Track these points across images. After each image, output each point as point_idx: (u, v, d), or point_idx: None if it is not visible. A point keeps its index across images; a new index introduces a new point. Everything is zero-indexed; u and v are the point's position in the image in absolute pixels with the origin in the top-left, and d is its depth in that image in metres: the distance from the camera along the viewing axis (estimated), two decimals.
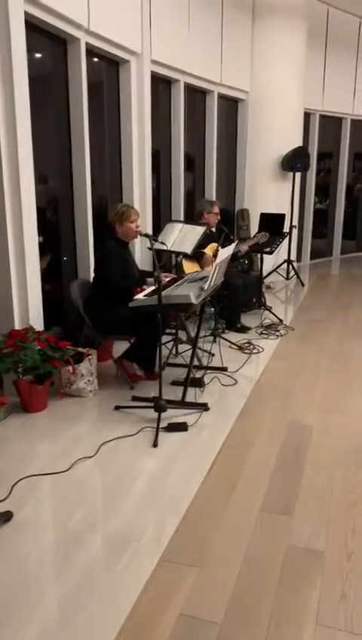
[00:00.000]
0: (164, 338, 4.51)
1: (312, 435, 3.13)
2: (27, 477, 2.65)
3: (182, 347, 4.48)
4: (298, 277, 7.47)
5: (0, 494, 2.50)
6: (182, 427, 3.17)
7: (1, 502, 2.45)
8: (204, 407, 3.42)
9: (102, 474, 2.71)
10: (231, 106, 7.36)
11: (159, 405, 3.17)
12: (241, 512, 2.41)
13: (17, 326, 3.48)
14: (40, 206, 4.49)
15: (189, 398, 3.53)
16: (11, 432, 3.16)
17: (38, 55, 4.14)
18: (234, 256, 4.33)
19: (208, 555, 2.14)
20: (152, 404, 3.23)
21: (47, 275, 4.55)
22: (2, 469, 2.74)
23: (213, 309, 4.88)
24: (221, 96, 6.89)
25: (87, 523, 2.31)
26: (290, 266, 7.48)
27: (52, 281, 4.55)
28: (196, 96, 6.60)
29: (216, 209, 5.11)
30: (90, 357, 3.62)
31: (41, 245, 3.81)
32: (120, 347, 4.06)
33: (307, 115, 8.29)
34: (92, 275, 4.08)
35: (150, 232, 5.14)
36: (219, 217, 5.15)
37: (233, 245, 3.92)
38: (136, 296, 3.46)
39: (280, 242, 5.52)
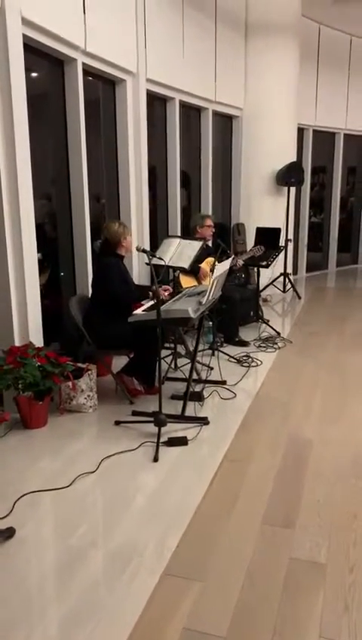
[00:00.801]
0: (163, 352, 4.54)
1: (312, 448, 3.14)
2: (28, 493, 2.65)
3: (180, 361, 4.50)
4: (294, 290, 7.52)
5: (1, 511, 2.50)
6: (182, 441, 3.18)
7: (2, 519, 2.45)
8: (203, 421, 3.44)
9: (103, 489, 2.72)
10: (225, 123, 7.46)
11: (159, 420, 3.18)
12: (243, 526, 2.41)
13: (17, 342, 3.51)
14: (38, 222, 4.54)
15: (189, 412, 3.55)
16: (12, 449, 3.16)
17: (35, 75, 4.21)
18: (230, 271, 4.36)
19: (211, 568, 2.14)
20: (152, 419, 3.24)
21: (46, 291, 4.58)
22: (3, 485, 2.75)
23: (210, 323, 4.91)
24: (215, 113, 6.99)
25: (88, 539, 2.31)
26: (287, 279, 7.53)
27: (50, 296, 4.58)
28: (191, 113, 6.69)
29: (209, 222, 5.17)
30: (89, 372, 3.64)
31: (39, 261, 3.85)
32: (119, 362, 4.08)
33: (301, 131, 8.40)
34: (90, 290, 4.11)
35: (147, 247, 5.19)
36: (213, 230, 5.21)
37: (230, 259, 3.96)
38: (135, 312, 3.49)
39: (276, 256, 5.56)
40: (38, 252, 4.44)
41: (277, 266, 7.04)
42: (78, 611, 1.91)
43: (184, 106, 6.32)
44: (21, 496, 2.62)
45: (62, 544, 2.28)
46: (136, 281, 5.25)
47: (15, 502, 2.57)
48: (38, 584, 2.06)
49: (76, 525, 2.41)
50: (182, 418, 3.48)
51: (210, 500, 2.62)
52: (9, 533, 2.32)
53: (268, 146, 7.47)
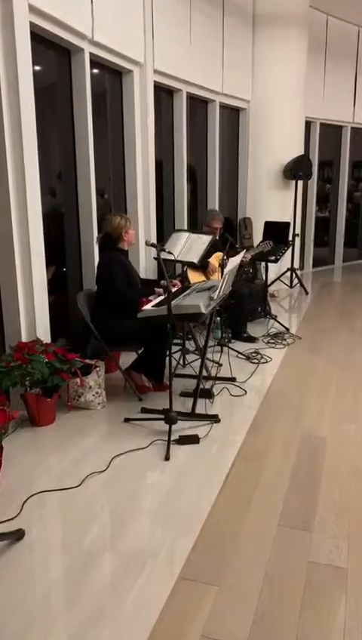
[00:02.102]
0: (172, 348, 4.46)
1: (326, 447, 3.07)
2: (37, 493, 2.59)
3: (189, 357, 4.43)
4: (301, 285, 7.44)
5: (10, 512, 2.44)
6: (193, 440, 3.11)
7: (11, 520, 2.39)
8: (214, 418, 3.37)
9: (114, 489, 2.65)
10: (232, 115, 7.36)
11: (170, 417, 3.11)
12: (259, 528, 2.35)
13: (24, 338, 3.43)
14: (45, 216, 4.46)
15: (199, 410, 3.47)
16: (20, 447, 3.09)
17: (42, 65, 4.12)
18: (239, 266, 4.29)
19: (227, 572, 2.08)
20: (162, 416, 3.17)
21: (52, 286, 4.51)
22: (12, 484, 2.68)
23: (218, 319, 4.83)
24: (222, 106, 6.89)
25: (100, 542, 2.25)
26: (294, 274, 7.45)
27: (57, 292, 4.51)
28: (198, 105, 6.60)
29: (216, 224, 5.05)
30: (98, 369, 3.57)
31: (46, 256, 3.77)
32: (127, 358, 4.01)
33: (307, 124, 8.29)
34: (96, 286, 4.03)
35: (154, 241, 5.10)
36: (218, 227, 5.09)
37: (241, 254, 3.89)
38: (145, 307, 3.41)
39: (285, 250, 5.48)
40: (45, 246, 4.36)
41: (284, 261, 6.95)
42: (91, 618, 1.84)
43: (191, 98, 6.22)
44: (30, 497, 2.55)
45: (74, 547, 2.22)
46: (142, 275, 5.18)
47: (24, 502, 2.51)
48: (49, 589, 1.99)
49: (87, 527, 2.34)
50: (192, 416, 3.41)
51: (224, 501, 2.55)
52: (18, 535, 2.25)
53: (275, 139, 7.37)
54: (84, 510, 2.47)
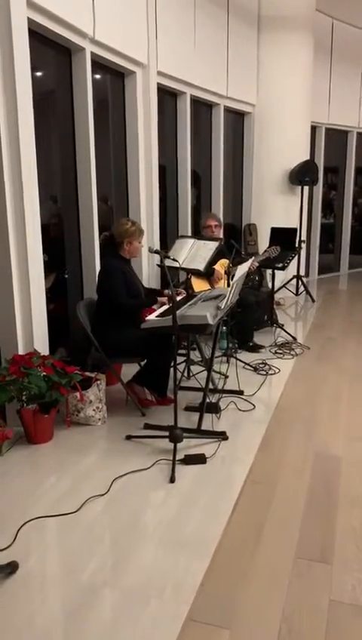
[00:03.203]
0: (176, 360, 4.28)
1: (342, 467, 2.87)
2: (33, 519, 2.40)
3: (194, 369, 4.24)
4: (308, 293, 7.25)
5: (3, 541, 2.24)
6: (200, 459, 2.91)
7: (4, 550, 2.19)
8: (222, 436, 3.17)
9: (115, 515, 2.46)
10: (237, 120, 7.21)
11: (175, 435, 2.92)
12: (273, 560, 2.15)
13: (21, 350, 3.25)
14: (45, 223, 4.29)
15: (205, 426, 3.28)
16: (15, 467, 2.90)
17: (42, 65, 3.96)
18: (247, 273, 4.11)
19: (240, 613, 1.88)
20: (167, 434, 2.98)
21: (52, 295, 4.33)
22: (5, 509, 2.49)
23: (224, 328, 4.65)
24: (227, 110, 6.73)
25: (100, 576, 2.05)
26: (299, 281, 7.27)
27: (57, 300, 4.33)
28: (202, 109, 6.44)
29: (208, 222, 4.92)
30: (98, 382, 3.38)
31: (46, 264, 3.60)
32: (129, 370, 3.82)
33: (313, 129, 8.13)
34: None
35: (158, 248, 4.93)
36: (213, 230, 4.93)
37: (250, 261, 3.70)
38: (148, 317, 3.23)
39: (293, 257, 5.31)
40: (44, 254, 4.19)
41: (290, 268, 6.75)
42: None
43: (195, 101, 6.06)
44: (24, 523, 2.36)
45: (71, 581, 2.02)
46: (145, 283, 5.00)
47: (18, 529, 2.32)
48: (44, 629, 1.80)
49: (86, 558, 2.15)
50: (198, 432, 3.22)
51: (235, 528, 2.36)
52: (11, 568, 2.06)
53: (280, 144, 7.21)
54: (82, 539, 2.28)
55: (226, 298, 3.12)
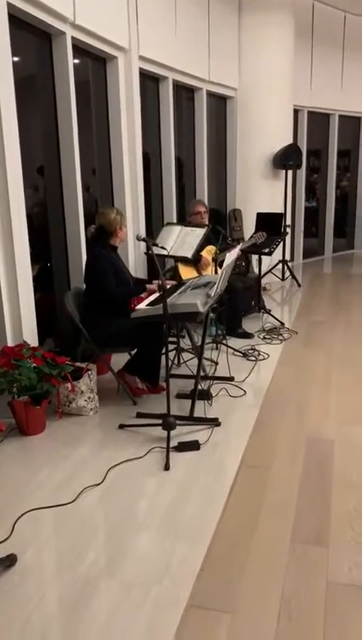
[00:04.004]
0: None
1: (335, 450, 2.91)
2: (29, 511, 2.39)
3: (184, 356, 4.24)
4: (294, 277, 7.28)
5: (0, 534, 2.24)
6: (193, 446, 2.93)
7: (1, 543, 2.19)
8: (214, 422, 3.19)
9: (111, 505, 2.46)
10: (219, 104, 7.15)
11: (168, 423, 2.93)
12: (270, 544, 2.18)
13: (10, 342, 3.22)
14: (28, 211, 4.22)
15: (197, 413, 3.29)
16: (8, 459, 2.89)
17: (22, 51, 3.87)
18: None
19: (240, 597, 1.90)
20: (160, 422, 2.99)
21: (38, 285, 4.28)
22: (1, 502, 2.48)
23: (213, 315, 4.65)
24: (210, 94, 6.67)
25: (99, 565, 2.06)
26: (285, 266, 7.29)
27: (43, 290, 4.29)
28: (184, 94, 6.37)
29: (198, 207, 4.91)
30: (89, 372, 3.37)
31: (30, 253, 3.55)
32: (119, 359, 3.81)
33: (295, 112, 8.10)
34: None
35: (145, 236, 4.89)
36: (203, 216, 4.92)
37: (237, 248, 3.69)
38: (138, 306, 3.21)
39: (279, 242, 5.30)
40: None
41: (275, 253, 6.77)
42: None
43: (177, 86, 5.99)
44: (21, 516, 2.36)
45: (70, 573, 2.03)
46: (132, 273, 4.97)
47: (15, 522, 2.31)
48: (45, 621, 1.80)
49: (85, 549, 2.16)
50: (191, 419, 3.23)
51: (231, 514, 2.38)
52: (10, 561, 2.06)
53: (263, 128, 7.18)
54: (80, 529, 2.28)
55: (216, 285, 3.11)
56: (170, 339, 4.22)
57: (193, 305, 2.96)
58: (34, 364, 3.06)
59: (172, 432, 2.95)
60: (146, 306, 3.19)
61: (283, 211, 6.98)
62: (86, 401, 3.35)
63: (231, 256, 3.31)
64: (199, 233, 3.95)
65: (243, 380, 3.87)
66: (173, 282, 3.66)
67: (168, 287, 3.50)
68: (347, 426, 3.19)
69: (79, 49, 4.30)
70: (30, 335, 3.35)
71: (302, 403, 3.54)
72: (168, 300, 2.96)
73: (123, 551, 2.14)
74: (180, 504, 2.44)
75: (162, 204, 5.97)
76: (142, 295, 3.57)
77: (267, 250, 5.17)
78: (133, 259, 5.02)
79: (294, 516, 2.35)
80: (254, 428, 3.20)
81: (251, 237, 5.09)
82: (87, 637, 1.73)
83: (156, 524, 2.31)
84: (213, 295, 3.14)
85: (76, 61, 4.29)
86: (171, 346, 4.22)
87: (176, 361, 4.17)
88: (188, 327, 4.11)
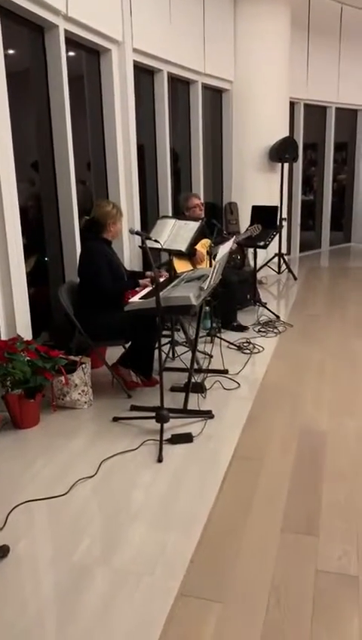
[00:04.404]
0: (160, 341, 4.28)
1: (327, 442, 2.92)
2: (22, 503, 2.41)
3: (178, 349, 4.25)
4: (290, 270, 7.29)
5: None
6: (187, 438, 2.94)
7: None
8: (208, 414, 3.21)
9: (104, 496, 2.48)
10: (215, 97, 7.13)
11: (161, 415, 2.94)
12: (261, 534, 2.20)
13: (4, 336, 3.23)
14: (22, 205, 4.22)
15: (191, 405, 3.31)
16: (2, 452, 2.90)
17: (15, 44, 3.86)
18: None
19: (231, 586, 1.93)
20: (153, 415, 3.00)
21: (33, 278, 4.29)
22: None
23: (207, 308, 4.66)
24: (205, 87, 6.65)
25: (92, 556, 2.08)
26: (282, 259, 7.29)
27: (38, 284, 4.30)
28: (179, 87, 6.36)
29: (194, 201, 4.90)
30: (83, 365, 3.38)
31: (25, 247, 3.56)
32: (114, 352, 3.83)
33: (291, 105, 8.09)
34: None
35: (138, 229, 4.89)
36: (201, 208, 4.93)
37: (231, 241, 3.70)
38: (131, 299, 3.22)
39: (274, 235, 5.31)
40: (23, 237, 4.14)
41: (272, 246, 6.78)
42: None
43: (172, 79, 5.97)
44: (14, 507, 2.37)
45: (63, 563, 2.04)
46: (127, 266, 4.97)
47: (8, 514, 2.33)
48: (39, 610, 1.82)
49: (78, 539, 2.17)
50: (184, 412, 3.25)
51: (223, 505, 2.40)
52: (2, 552, 2.08)
53: (259, 121, 7.16)
54: (73, 520, 2.30)
55: (209, 278, 3.12)
56: (165, 332, 4.25)
57: (186, 298, 2.97)
58: (28, 358, 3.07)
59: (165, 425, 2.96)
60: (140, 298, 3.20)
61: (279, 204, 6.98)
62: (80, 394, 3.37)
63: (224, 249, 3.31)
64: (193, 227, 3.94)
65: (238, 373, 3.88)
66: (166, 273, 3.65)
67: (161, 280, 3.51)
68: (339, 418, 3.21)
69: (72, 42, 4.28)
70: (24, 329, 3.36)
71: (295, 395, 3.56)
72: (161, 293, 2.97)
73: (115, 541, 2.16)
74: (172, 495, 2.46)
75: (157, 198, 5.97)
76: (137, 289, 3.57)
77: (262, 244, 5.18)
78: (128, 252, 5.03)
79: (285, 506, 2.37)
80: (247, 420, 3.21)
81: (246, 230, 5.10)
82: (80, 625, 1.75)
83: (148, 514, 2.33)
84: (205, 288, 3.14)
85: (71, 54, 4.29)
86: (166, 340, 4.24)
87: (170, 355, 4.18)
88: (182, 320, 4.12)
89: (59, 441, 3.00)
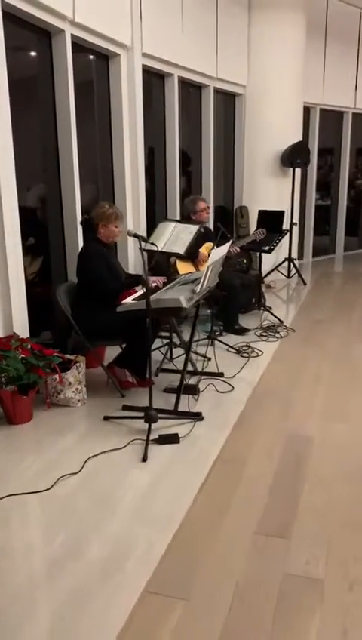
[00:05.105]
0: (159, 342, 4.33)
1: (313, 448, 2.93)
2: (6, 496, 2.47)
3: (177, 352, 4.29)
4: (299, 275, 7.26)
5: None
6: (173, 439, 2.98)
7: None
8: (197, 416, 3.24)
9: (86, 492, 2.53)
10: (228, 101, 7.15)
11: (149, 416, 2.99)
12: (234, 535, 2.22)
13: (1, 334, 3.31)
14: (28, 207, 4.31)
15: (183, 407, 3.34)
16: None
17: (22, 49, 3.96)
18: (228, 256, 4.12)
19: (197, 585, 1.95)
20: (142, 415, 3.04)
21: (38, 278, 4.38)
22: None
23: (208, 311, 4.69)
24: (217, 91, 6.68)
25: (67, 550, 2.13)
26: (291, 264, 7.27)
27: (42, 283, 4.38)
28: (191, 91, 6.40)
29: (202, 205, 4.90)
30: (78, 364, 3.44)
31: (31, 247, 3.64)
32: (113, 353, 3.88)
33: (307, 110, 8.07)
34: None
35: (144, 233, 4.95)
36: (208, 212, 4.95)
37: (227, 245, 3.72)
38: (125, 300, 3.27)
39: (279, 240, 5.31)
40: (30, 237, 4.23)
41: (282, 250, 6.79)
42: (50, 634, 1.73)
43: (183, 83, 6.02)
44: None
45: (38, 555, 2.10)
46: (132, 269, 5.04)
47: None
48: (10, 600, 1.87)
49: (54, 533, 2.23)
50: (174, 413, 3.28)
51: (201, 506, 2.43)
52: None
53: (272, 126, 7.16)
54: (52, 515, 2.35)
55: (201, 282, 3.15)
56: (163, 333, 4.29)
57: (176, 300, 3.01)
58: (22, 356, 3.14)
59: (155, 425, 3.01)
60: (133, 299, 3.25)
61: (289, 209, 6.98)
62: (74, 392, 3.43)
63: (218, 252, 3.34)
64: (192, 230, 3.98)
65: (233, 376, 3.90)
66: (161, 278, 3.69)
67: (155, 285, 3.52)
68: (328, 423, 3.21)
69: (80, 46, 4.36)
70: (21, 327, 3.43)
71: (288, 400, 3.57)
72: (153, 295, 3.02)
73: (91, 536, 2.21)
74: (152, 494, 2.50)
75: (166, 202, 6.01)
76: (136, 288, 3.63)
77: (267, 248, 5.19)
78: (133, 256, 5.08)
79: (262, 509, 2.39)
80: (236, 423, 3.23)
81: (251, 234, 5.12)
82: (45, 616, 1.80)
83: (126, 512, 2.37)
84: (198, 291, 3.18)
85: (80, 54, 4.35)
86: (164, 341, 4.29)
87: (168, 356, 4.22)
88: (174, 323, 4.14)
89: (49, 437, 3.07)
